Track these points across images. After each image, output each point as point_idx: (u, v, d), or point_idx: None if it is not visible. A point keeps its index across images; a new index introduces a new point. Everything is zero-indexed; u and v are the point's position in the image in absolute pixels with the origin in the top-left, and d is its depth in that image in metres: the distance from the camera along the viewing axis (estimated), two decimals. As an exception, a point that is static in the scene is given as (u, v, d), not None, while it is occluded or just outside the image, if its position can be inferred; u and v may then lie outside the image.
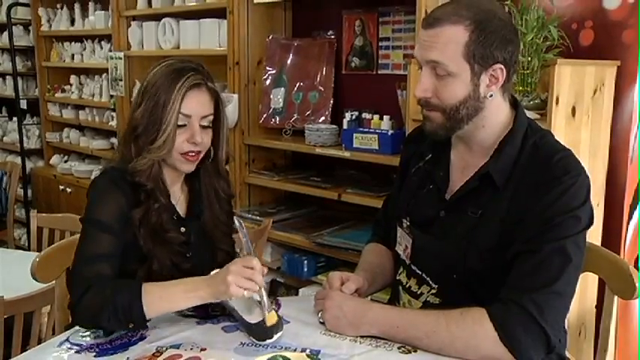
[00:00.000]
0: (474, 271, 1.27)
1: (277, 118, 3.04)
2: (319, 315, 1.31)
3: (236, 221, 1.39)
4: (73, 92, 4.44)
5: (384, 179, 2.75)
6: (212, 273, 1.35)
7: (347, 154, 2.61)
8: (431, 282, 1.35)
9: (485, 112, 1.29)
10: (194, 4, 3.24)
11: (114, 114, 3.95)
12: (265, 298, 1.28)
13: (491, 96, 1.27)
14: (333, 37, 3.00)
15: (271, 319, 1.26)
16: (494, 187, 1.27)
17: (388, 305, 1.38)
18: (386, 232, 1.58)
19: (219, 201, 1.58)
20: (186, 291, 1.31)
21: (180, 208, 1.55)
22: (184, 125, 1.44)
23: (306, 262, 2.74)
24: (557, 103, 1.88)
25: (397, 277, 1.46)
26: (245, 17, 2.94)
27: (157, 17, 3.48)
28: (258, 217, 2.91)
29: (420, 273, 1.37)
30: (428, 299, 1.36)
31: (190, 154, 1.46)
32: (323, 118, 2.95)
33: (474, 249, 1.27)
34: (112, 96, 3.91)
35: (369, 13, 2.85)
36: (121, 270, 1.41)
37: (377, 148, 2.54)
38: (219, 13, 3.11)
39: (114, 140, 4.11)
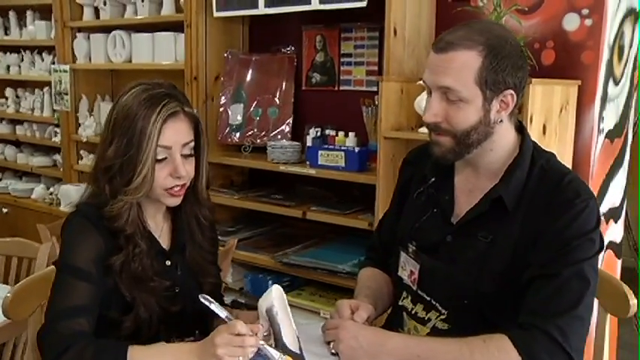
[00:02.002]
0: (486, 295, 1.26)
1: (236, 135, 2.97)
2: (331, 346, 1.26)
3: (203, 300, 1.26)
4: (8, 106, 4.19)
5: (347, 196, 2.74)
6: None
7: (312, 172, 2.58)
8: (440, 307, 1.33)
9: (494, 137, 1.29)
10: (147, 16, 3.13)
11: (58, 129, 3.75)
12: (272, 352, 1.21)
13: (501, 121, 1.28)
14: (292, 52, 2.97)
15: None
16: (505, 211, 1.27)
17: (405, 334, 1.35)
18: (381, 256, 1.56)
19: (202, 229, 1.48)
20: (177, 358, 1.21)
21: (164, 240, 1.45)
22: (165, 159, 1.32)
23: (270, 282, 2.67)
24: (531, 121, 1.92)
25: (400, 303, 1.43)
26: (203, 31, 2.87)
27: (105, 29, 3.34)
28: (219, 237, 2.82)
29: (429, 299, 1.35)
30: (436, 325, 1.33)
31: (175, 188, 1.36)
32: (283, 134, 2.91)
33: (486, 273, 1.26)
34: (55, 111, 3.72)
35: (331, 29, 2.84)
36: (104, 319, 1.31)
37: (343, 165, 2.52)
38: (173, 26, 3.02)
39: (57, 157, 3.90)
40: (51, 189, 3.84)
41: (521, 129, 1.35)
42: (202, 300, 1.25)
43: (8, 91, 4.21)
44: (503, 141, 1.31)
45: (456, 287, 1.29)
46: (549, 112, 2.03)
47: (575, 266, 1.18)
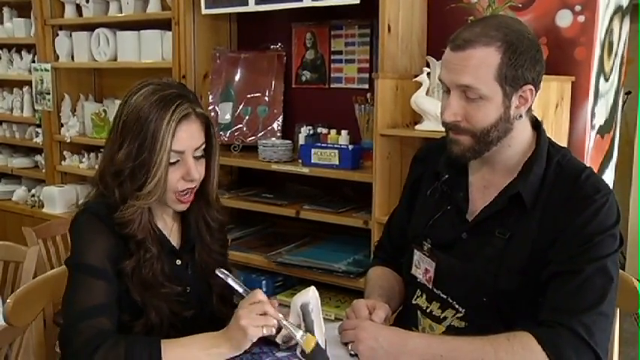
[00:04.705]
0: (505, 292, 1.25)
1: (226, 134, 2.94)
2: (349, 347, 1.24)
3: (219, 274, 1.28)
4: (-14, 106, 4.09)
5: (338, 194, 2.72)
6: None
7: (305, 170, 2.55)
8: (457, 305, 1.32)
9: (513, 133, 1.27)
10: (132, 14, 3.07)
11: (39, 130, 3.66)
12: (289, 325, 1.21)
13: (520, 117, 1.27)
14: (282, 49, 2.93)
15: (309, 343, 1.20)
16: (522, 208, 1.26)
17: (426, 334, 1.33)
18: (391, 255, 1.55)
19: (210, 231, 1.45)
20: (206, 348, 1.21)
21: (174, 239, 1.42)
22: (177, 161, 1.29)
23: (264, 282, 2.65)
24: (529, 118, 1.92)
25: (413, 302, 1.41)
26: (191, 29, 2.82)
27: (88, 27, 3.27)
28: (209, 237, 2.79)
29: (445, 297, 1.33)
30: (452, 323, 1.32)
31: (185, 193, 1.33)
32: (273, 133, 2.88)
33: (504, 271, 1.25)
34: (36, 110, 3.63)
35: (321, 26, 2.81)
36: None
37: (337, 163, 2.49)
38: (159, 23, 2.97)
39: (39, 158, 3.81)
40: (32, 191, 3.75)
41: (536, 124, 1.34)
42: (219, 274, 1.27)
43: (-15, 91, 4.10)
44: (521, 137, 1.30)
45: (474, 285, 1.28)
46: (546, 108, 2.04)
47: (597, 262, 1.17)
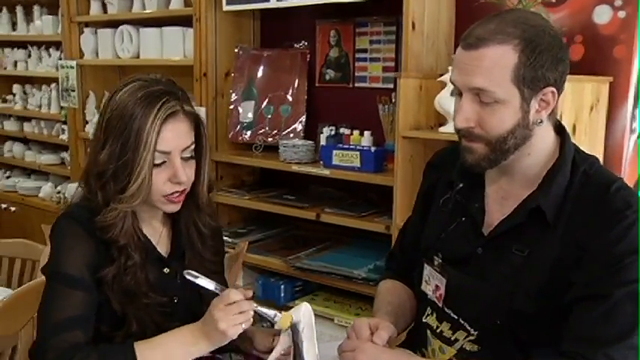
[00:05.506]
0: (520, 315, 1.13)
1: (247, 133, 2.87)
2: None
3: (188, 276, 1.21)
4: (16, 102, 4.13)
5: (363, 198, 2.63)
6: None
7: (326, 172, 2.47)
8: (468, 327, 1.20)
9: (533, 140, 1.16)
10: (155, 10, 3.03)
11: (65, 127, 3.66)
12: (265, 310, 1.19)
13: (540, 122, 1.15)
14: (305, 47, 2.85)
15: (285, 321, 1.17)
16: (543, 222, 1.14)
17: (431, 359, 1.23)
18: (403, 267, 1.44)
19: (202, 237, 1.37)
20: (184, 345, 1.16)
21: (163, 246, 1.34)
22: (163, 163, 1.22)
23: (282, 286, 2.58)
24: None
25: (423, 320, 1.31)
26: (213, 26, 2.76)
27: (113, 24, 3.24)
28: (228, 239, 2.73)
29: (456, 317, 1.23)
30: (464, 346, 1.21)
31: (174, 194, 1.25)
32: (295, 133, 2.80)
33: (521, 291, 1.13)
34: (62, 107, 3.63)
35: (345, 23, 2.72)
36: (94, 333, 1.21)
37: (359, 165, 2.40)
38: (182, 20, 2.92)
39: (65, 155, 3.82)
40: (58, 187, 3.77)
41: (560, 130, 1.22)
42: (187, 276, 1.20)
43: (16, 88, 4.14)
44: (542, 144, 1.18)
45: (487, 305, 1.17)
46: (579, 111, 1.91)
47: (628, 287, 1.04)
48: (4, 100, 4.24)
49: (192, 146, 1.26)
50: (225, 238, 2.69)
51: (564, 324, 1.08)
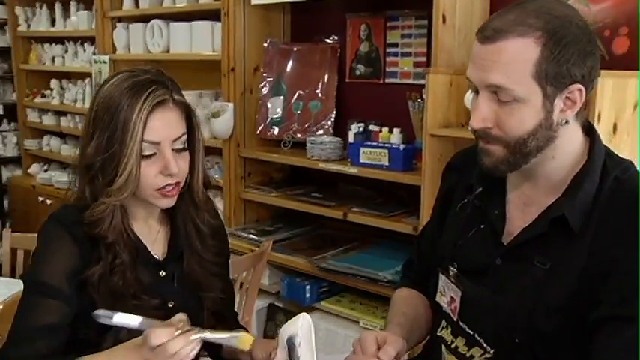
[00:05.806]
0: (541, 333, 1.04)
1: (275, 129, 2.82)
2: None
3: (100, 314, 1.07)
4: (54, 97, 4.18)
5: (392, 197, 2.55)
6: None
7: (353, 170, 2.39)
8: (485, 344, 1.12)
9: (557, 142, 1.06)
10: (185, 4, 3.01)
11: (98, 122, 3.68)
12: (216, 335, 1.08)
13: (565, 122, 1.05)
14: (336, 42, 2.78)
15: (245, 342, 1.08)
16: (569, 233, 1.04)
17: None
18: (420, 275, 1.36)
19: (201, 236, 1.30)
20: None
21: (159, 247, 1.28)
22: (153, 154, 1.16)
23: (308, 287, 2.52)
24: (598, 119, 1.68)
25: (438, 333, 1.22)
26: (241, 20, 2.72)
27: (144, 19, 3.24)
28: (255, 237, 2.69)
29: (472, 332, 1.14)
30: None
31: (167, 188, 1.19)
32: (325, 129, 2.73)
33: (541, 307, 1.04)
34: (95, 102, 3.66)
35: (376, 17, 2.63)
36: (80, 340, 1.16)
37: (387, 164, 2.32)
38: (212, 14, 2.88)
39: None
40: (92, 182, 3.79)
41: (589, 130, 1.11)
42: (98, 319, 1.06)
43: (53, 83, 4.20)
44: (569, 146, 1.08)
45: (505, 321, 1.08)
46: (620, 109, 1.78)
47: None
48: (43, 95, 4.30)
49: (184, 137, 1.20)
50: (251, 235, 2.70)
51: (588, 346, 0.99)
